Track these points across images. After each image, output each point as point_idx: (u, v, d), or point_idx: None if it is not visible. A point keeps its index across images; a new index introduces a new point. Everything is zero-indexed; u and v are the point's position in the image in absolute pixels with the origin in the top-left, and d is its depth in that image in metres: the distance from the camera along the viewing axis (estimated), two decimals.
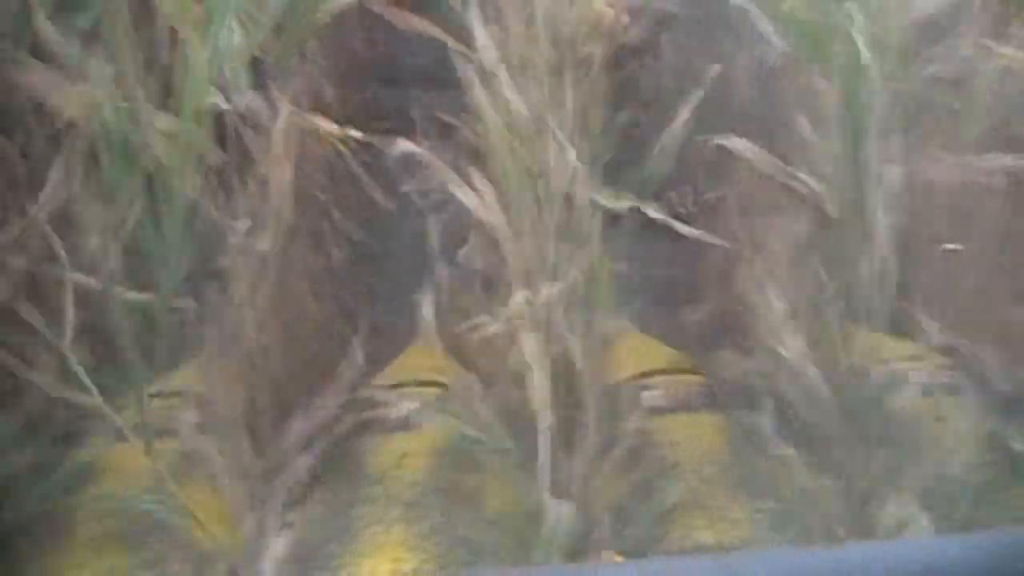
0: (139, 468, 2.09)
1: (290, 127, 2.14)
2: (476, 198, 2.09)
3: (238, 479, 2.01)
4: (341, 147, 2.30)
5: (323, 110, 2.31)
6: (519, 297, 1.99)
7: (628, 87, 2.39)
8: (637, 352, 2.27)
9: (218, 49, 2.10)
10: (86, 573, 1.97)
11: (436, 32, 2.28)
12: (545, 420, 1.96)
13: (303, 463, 2.19)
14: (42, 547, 2.05)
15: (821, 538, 1.95)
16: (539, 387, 1.97)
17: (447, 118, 2.21)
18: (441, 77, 2.23)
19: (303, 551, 2.01)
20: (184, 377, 2.07)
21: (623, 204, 2.16)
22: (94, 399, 2.01)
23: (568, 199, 2.07)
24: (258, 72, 2.21)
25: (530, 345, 1.97)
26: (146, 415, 2.11)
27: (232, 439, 2.02)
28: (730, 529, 1.99)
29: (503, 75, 2.08)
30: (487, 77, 2.10)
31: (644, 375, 2.30)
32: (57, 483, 2.24)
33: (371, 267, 2.46)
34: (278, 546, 2.00)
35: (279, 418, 2.13)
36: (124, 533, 2.06)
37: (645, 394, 2.25)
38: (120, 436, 2.17)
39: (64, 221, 2.06)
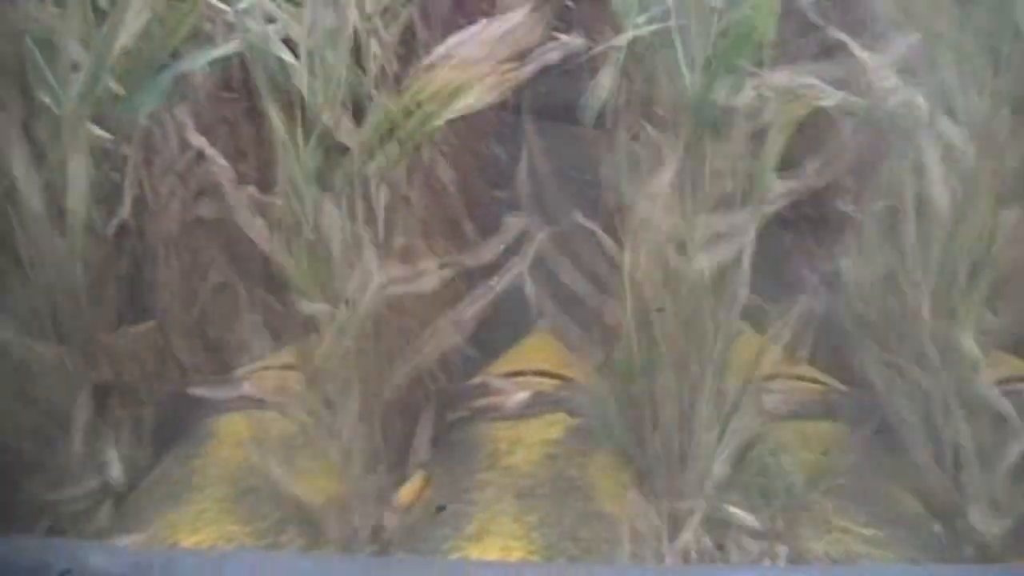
0: (257, 437, 2.12)
1: None
2: None
3: (351, 457, 2.03)
4: None
5: None
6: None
7: None
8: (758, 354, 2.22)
9: None
10: (198, 538, 2.01)
11: None
12: (662, 417, 1.95)
13: (417, 445, 2.22)
14: (158, 510, 2.11)
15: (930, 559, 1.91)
16: (659, 385, 1.96)
17: None
18: None
19: (413, 532, 2.02)
20: (299, 351, 2.07)
21: None
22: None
23: None
24: None
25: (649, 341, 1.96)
26: (262, 386, 2.14)
27: (346, 417, 2.03)
28: (838, 541, 1.95)
29: None
30: None
31: (765, 378, 2.25)
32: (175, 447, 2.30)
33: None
34: (391, 523, 2.02)
35: (395, 399, 2.14)
36: (238, 501, 2.10)
37: (766, 398, 2.21)
38: (238, 405, 2.22)
39: None
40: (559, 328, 2.13)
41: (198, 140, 2.19)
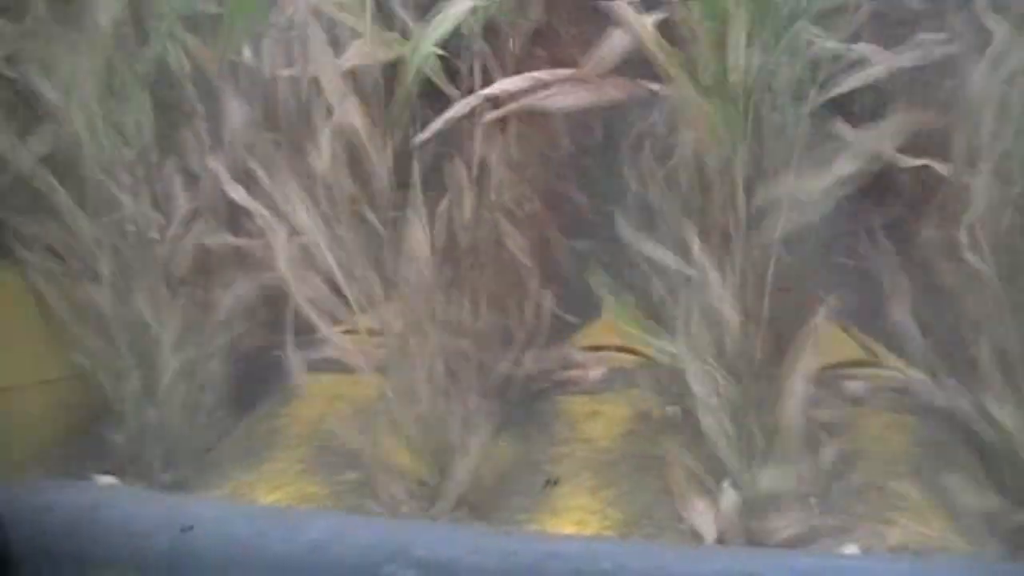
0: (341, 399, 2.15)
1: None
2: None
3: (431, 422, 2.05)
4: None
5: None
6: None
7: None
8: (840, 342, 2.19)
9: None
10: (278, 495, 2.05)
11: None
12: (738, 399, 1.94)
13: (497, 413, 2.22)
14: (241, 464, 2.15)
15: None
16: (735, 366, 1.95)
17: None
18: None
19: (487, 498, 2.04)
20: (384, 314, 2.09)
21: None
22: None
23: None
24: None
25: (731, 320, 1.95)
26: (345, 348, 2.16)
27: (429, 381, 2.05)
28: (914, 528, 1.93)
29: None
30: None
31: (846, 365, 2.23)
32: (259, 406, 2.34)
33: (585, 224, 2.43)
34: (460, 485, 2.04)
35: (476, 366, 2.15)
36: (321, 461, 2.14)
37: (847, 384, 2.19)
38: (322, 366, 2.24)
39: None
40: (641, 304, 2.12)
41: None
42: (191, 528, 1.79)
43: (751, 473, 1.93)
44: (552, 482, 2.05)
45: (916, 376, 2.13)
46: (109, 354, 2.17)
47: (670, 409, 2.13)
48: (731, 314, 1.90)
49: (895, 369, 2.24)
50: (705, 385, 1.92)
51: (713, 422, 1.92)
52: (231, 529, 1.82)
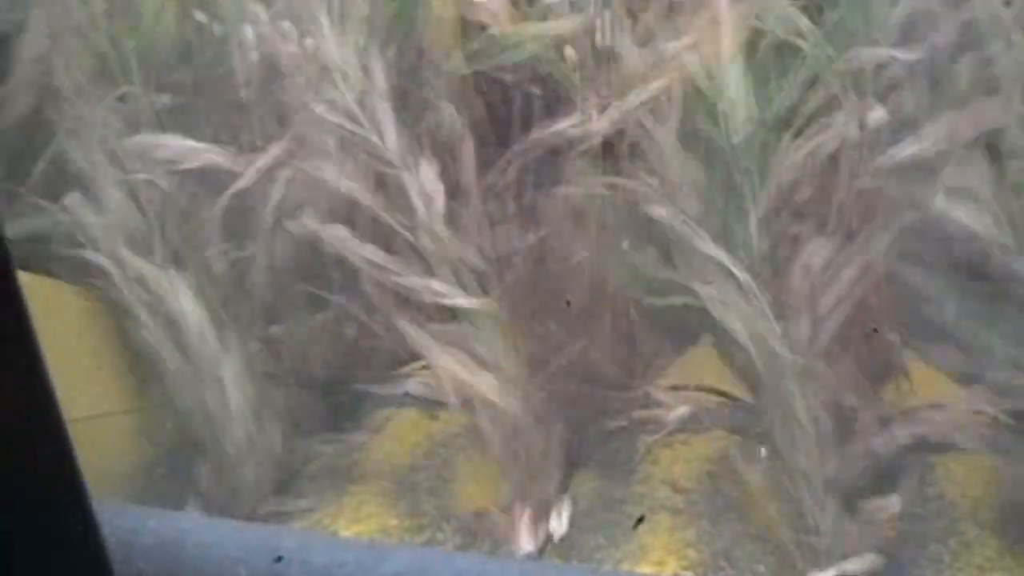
0: (420, 435, 2.17)
1: None
2: None
3: (512, 460, 2.06)
4: None
5: None
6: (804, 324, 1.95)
7: None
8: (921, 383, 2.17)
9: None
10: (359, 528, 2.07)
11: None
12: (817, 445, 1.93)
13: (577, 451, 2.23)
14: (323, 497, 2.17)
15: None
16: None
17: None
18: None
19: (567, 538, 2.04)
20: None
21: None
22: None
23: None
24: None
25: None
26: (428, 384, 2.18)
27: (508, 419, 2.06)
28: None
29: None
30: None
31: (925, 407, 2.19)
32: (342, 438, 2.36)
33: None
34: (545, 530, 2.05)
35: (558, 403, 2.16)
36: (399, 496, 2.16)
37: (923, 427, 2.16)
38: (405, 401, 2.26)
39: None
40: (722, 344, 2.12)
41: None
42: (280, 559, 1.80)
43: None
44: (640, 519, 2.05)
45: None
46: (191, 384, 2.22)
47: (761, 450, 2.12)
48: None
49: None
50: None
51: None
52: (314, 558, 1.83)
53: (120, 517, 1.92)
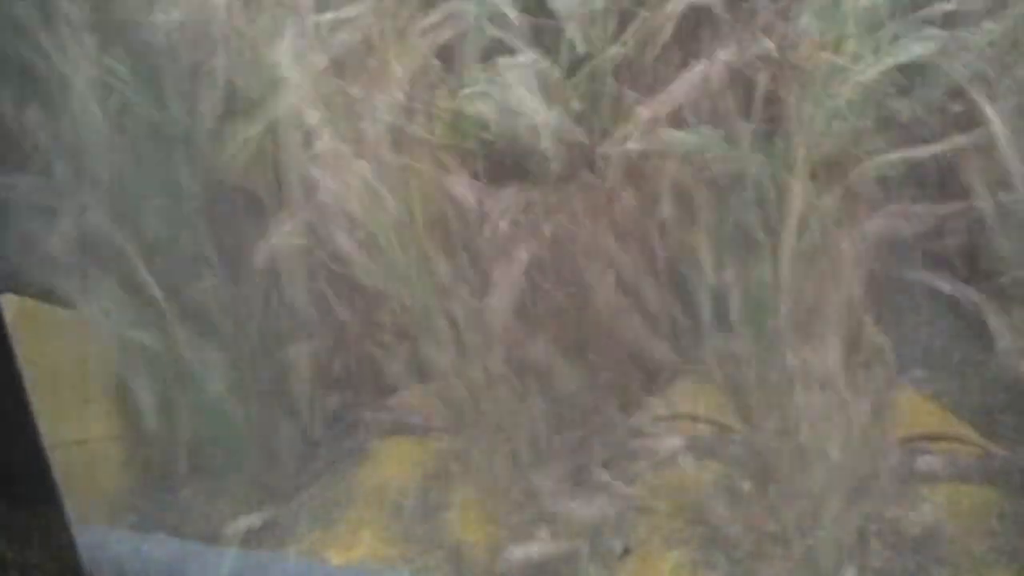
0: (411, 460, 2.17)
1: None
2: None
3: (502, 486, 2.07)
4: None
5: None
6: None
7: None
8: (914, 414, 2.17)
9: None
10: (351, 555, 2.08)
11: None
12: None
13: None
14: (314, 525, 2.18)
15: None
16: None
17: None
18: None
19: (552, 563, 2.05)
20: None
21: None
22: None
23: None
24: None
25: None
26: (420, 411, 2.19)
27: (498, 447, 2.07)
28: None
29: None
30: None
31: (920, 439, 2.20)
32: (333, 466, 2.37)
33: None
34: (530, 553, 2.05)
35: (550, 430, 2.17)
36: (391, 523, 2.16)
37: (920, 459, 2.16)
38: (397, 428, 2.27)
39: None
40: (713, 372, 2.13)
41: None
42: None
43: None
44: (627, 551, 2.05)
45: None
46: (180, 410, 2.23)
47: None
48: None
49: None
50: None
51: None
52: None
53: (111, 542, 1.95)
